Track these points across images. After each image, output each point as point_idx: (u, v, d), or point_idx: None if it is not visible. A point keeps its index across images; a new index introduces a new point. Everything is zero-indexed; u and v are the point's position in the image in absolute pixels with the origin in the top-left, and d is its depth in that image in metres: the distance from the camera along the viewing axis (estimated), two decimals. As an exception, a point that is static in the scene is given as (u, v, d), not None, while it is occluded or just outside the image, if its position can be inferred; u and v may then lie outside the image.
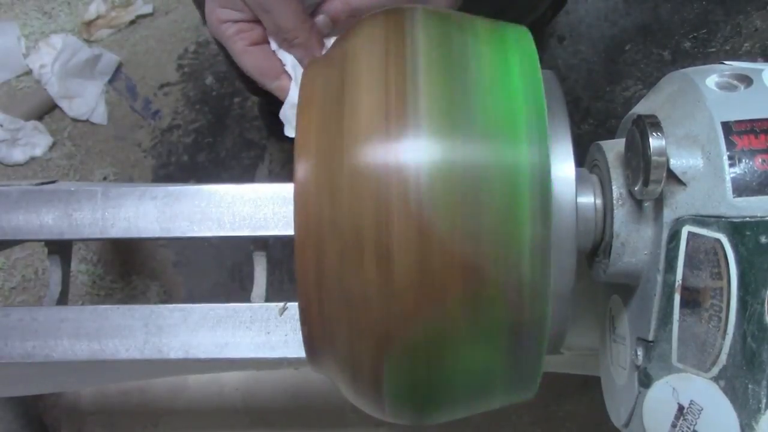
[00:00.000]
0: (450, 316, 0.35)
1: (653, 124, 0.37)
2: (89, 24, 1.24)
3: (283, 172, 1.17)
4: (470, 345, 0.36)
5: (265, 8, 0.48)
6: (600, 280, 0.43)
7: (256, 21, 0.50)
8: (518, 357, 0.38)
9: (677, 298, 0.37)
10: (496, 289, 0.35)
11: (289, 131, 0.51)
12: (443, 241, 0.34)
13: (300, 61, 0.51)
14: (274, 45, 0.51)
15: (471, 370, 0.37)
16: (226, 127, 1.21)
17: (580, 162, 0.42)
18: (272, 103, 1.06)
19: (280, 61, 0.51)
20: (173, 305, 0.56)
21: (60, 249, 0.62)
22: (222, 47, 0.81)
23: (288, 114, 0.51)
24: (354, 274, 0.36)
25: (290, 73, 0.51)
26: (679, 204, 0.37)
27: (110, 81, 1.23)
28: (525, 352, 0.37)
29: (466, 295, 0.35)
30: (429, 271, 0.35)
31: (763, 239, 0.35)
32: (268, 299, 0.58)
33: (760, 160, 0.36)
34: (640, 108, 0.44)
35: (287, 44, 0.50)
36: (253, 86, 0.94)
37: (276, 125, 1.21)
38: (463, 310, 0.35)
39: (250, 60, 0.51)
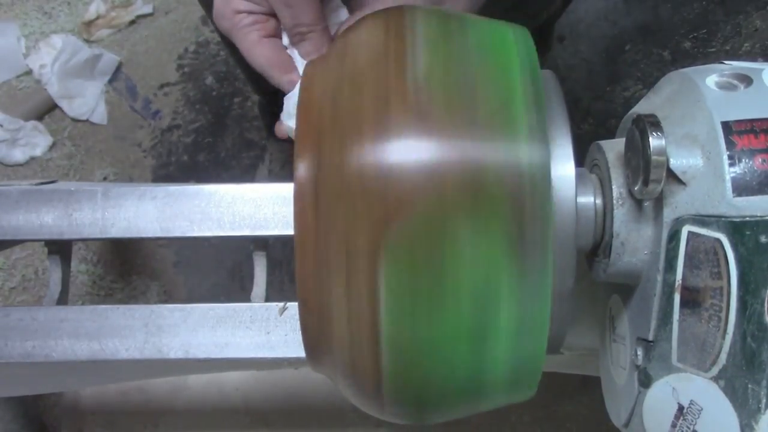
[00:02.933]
0: (450, 317, 0.35)
1: (653, 123, 0.37)
2: (89, 24, 1.24)
3: (283, 172, 1.17)
4: (472, 239, 0.35)
5: (288, 3, 0.48)
6: (600, 279, 0.43)
7: (271, 14, 0.50)
8: (524, 259, 0.36)
9: (677, 297, 0.37)
10: (495, 176, 0.35)
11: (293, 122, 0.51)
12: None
13: (307, 56, 0.51)
14: (285, 41, 0.51)
15: (474, 273, 0.36)
16: (226, 127, 1.21)
17: (580, 162, 0.42)
18: (273, 103, 1.06)
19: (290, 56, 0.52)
20: (173, 305, 0.56)
21: (60, 249, 0.62)
22: (227, 44, 0.81)
23: (292, 110, 0.51)
24: (353, 274, 0.36)
25: (299, 70, 0.51)
26: (679, 204, 0.37)
27: (110, 81, 1.23)
28: (530, 250, 0.36)
29: (465, 180, 0.35)
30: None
31: (763, 239, 0.35)
32: (268, 299, 0.58)
33: (759, 160, 0.36)
34: (640, 108, 0.44)
35: (299, 38, 0.50)
36: (257, 84, 0.94)
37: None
38: (462, 197, 0.35)
39: (263, 51, 0.51)
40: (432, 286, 0.35)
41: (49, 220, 0.58)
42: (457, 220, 0.34)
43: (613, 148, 0.42)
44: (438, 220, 0.34)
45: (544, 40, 0.92)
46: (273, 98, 1.04)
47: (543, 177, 0.35)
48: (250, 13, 0.50)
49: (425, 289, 0.35)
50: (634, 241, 0.40)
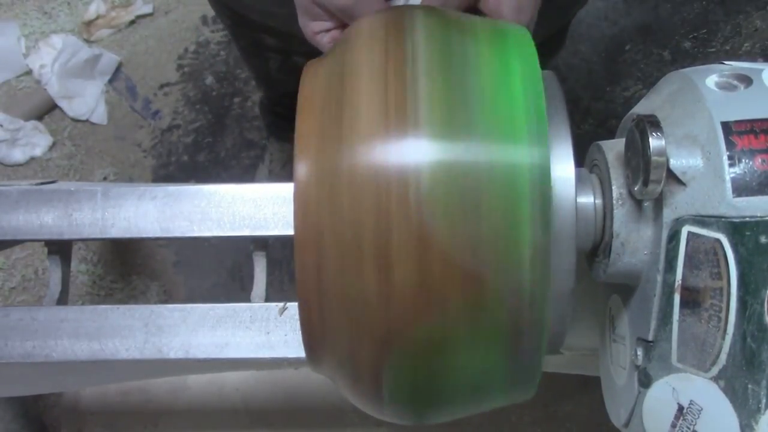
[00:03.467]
0: (450, 322, 0.36)
1: (653, 124, 0.37)
2: (89, 24, 1.24)
3: (283, 172, 1.17)
4: (470, 348, 0.36)
5: (352, 18, 0.49)
6: (600, 280, 0.43)
7: (343, 26, 0.51)
8: (518, 358, 0.38)
9: (677, 298, 0.37)
10: (496, 295, 0.35)
11: None
12: (443, 249, 0.34)
13: None
14: None
15: (471, 371, 0.37)
16: (226, 127, 1.21)
17: (580, 162, 0.42)
18: (275, 103, 1.07)
19: None
20: (173, 305, 0.56)
21: (60, 249, 0.62)
22: (236, 40, 0.80)
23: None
24: (354, 277, 0.36)
25: None
26: (678, 204, 0.37)
27: (110, 81, 1.23)
28: (525, 354, 0.38)
29: (467, 301, 0.35)
30: (429, 279, 0.35)
31: (762, 239, 0.35)
32: (268, 299, 0.58)
33: (759, 160, 0.36)
34: (640, 108, 0.44)
35: None
36: (263, 85, 0.94)
37: (277, 125, 1.20)
38: (463, 315, 0.35)
39: None
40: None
41: (49, 220, 0.58)
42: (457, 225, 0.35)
43: (613, 148, 0.42)
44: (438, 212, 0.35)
45: (561, 37, 0.91)
46: (275, 98, 1.04)
47: (543, 177, 0.35)
48: (327, 31, 0.50)
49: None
50: (634, 242, 0.40)
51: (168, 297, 1.15)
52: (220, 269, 1.15)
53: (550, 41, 0.86)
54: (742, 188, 0.35)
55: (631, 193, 0.40)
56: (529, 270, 0.35)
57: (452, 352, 0.36)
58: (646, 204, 0.40)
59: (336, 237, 0.36)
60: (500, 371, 0.38)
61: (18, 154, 1.18)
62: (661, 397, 0.38)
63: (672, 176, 0.37)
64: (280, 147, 1.17)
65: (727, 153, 0.36)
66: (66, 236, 0.58)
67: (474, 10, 0.45)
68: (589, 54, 1.20)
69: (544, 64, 0.39)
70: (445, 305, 0.35)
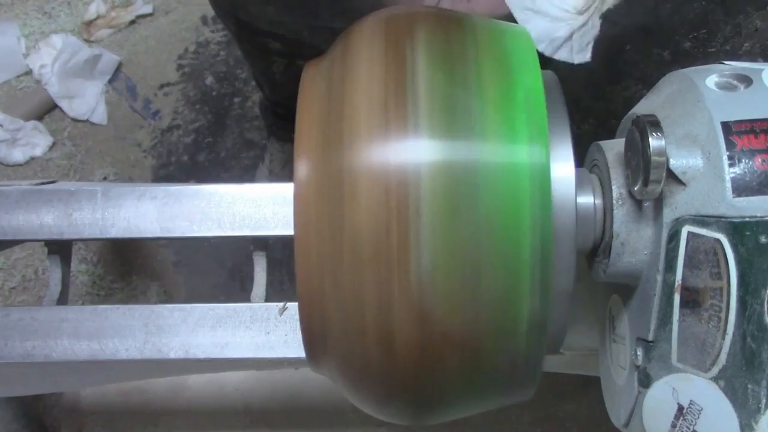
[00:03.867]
0: (447, 381, 0.37)
1: (653, 123, 0.37)
2: (89, 24, 1.24)
3: (283, 173, 1.17)
4: (470, 347, 0.37)
5: None
6: (600, 280, 0.43)
7: None
8: (516, 362, 0.38)
9: (677, 298, 0.37)
10: (493, 361, 0.37)
11: None
12: (443, 236, 0.35)
13: None
14: None
15: (471, 371, 0.38)
16: (226, 127, 1.21)
17: (580, 162, 0.42)
18: (276, 103, 1.07)
19: None
20: (173, 305, 0.56)
21: (60, 249, 0.62)
22: (238, 42, 0.80)
23: None
24: (354, 277, 0.36)
25: None
26: (678, 204, 0.37)
27: (110, 81, 1.23)
28: (525, 354, 0.38)
29: (464, 366, 0.37)
30: (429, 349, 0.36)
31: (762, 239, 0.35)
32: (268, 299, 0.58)
33: (759, 160, 0.36)
34: (640, 108, 0.44)
35: None
36: (264, 85, 0.94)
37: (278, 126, 1.20)
38: (461, 375, 0.37)
39: None
40: None
41: (49, 220, 0.58)
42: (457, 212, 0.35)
43: (613, 148, 0.42)
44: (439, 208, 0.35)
45: None
46: (277, 100, 1.04)
47: (543, 177, 0.35)
48: None
49: None
50: (634, 242, 0.40)
51: (168, 297, 1.15)
52: (220, 269, 1.15)
53: None
54: (742, 188, 0.35)
55: (631, 193, 0.40)
56: (525, 339, 0.37)
57: (453, 351, 0.37)
58: (646, 204, 0.40)
59: (336, 237, 0.36)
60: (499, 381, 0.39)
61: (18, 154, 1.18)
62: (661, 397, 0.38)
63: (672, 176, 0.37)
64: (280, 147, 1.17)
65: (727, 153, 0.36)
66: (66, 236, 0.58)
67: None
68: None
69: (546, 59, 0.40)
70: (443, 367, 0.37)
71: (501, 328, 0.36)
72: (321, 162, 0.37)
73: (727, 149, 0.36)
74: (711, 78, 0.39)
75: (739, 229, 0.35)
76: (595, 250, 0.43)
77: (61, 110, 1.21)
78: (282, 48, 0.78)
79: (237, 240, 0.58)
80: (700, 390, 0.36)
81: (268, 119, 1.17)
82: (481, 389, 0.39)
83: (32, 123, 1.19)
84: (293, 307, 0.55)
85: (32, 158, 1.19)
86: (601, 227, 0.41)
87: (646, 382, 0.39)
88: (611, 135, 0.46)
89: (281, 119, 1.12)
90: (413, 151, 0.35)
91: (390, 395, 0.38)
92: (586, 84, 1.20)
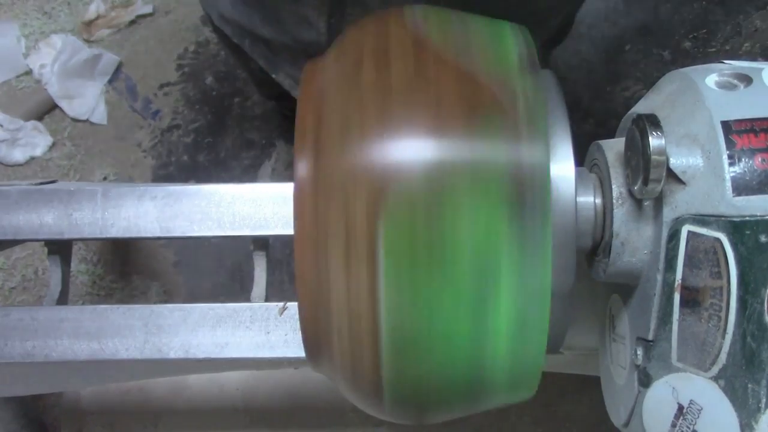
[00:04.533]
0: (448, 380, 0.36)
1: (653, 123, 0.37)
2: (89, 24, 1.24)
3: (287, 173, 1.17)
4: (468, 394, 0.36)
5: None
6: (600, 279, 0.43)
7: None
8: (520, 347, 0.37)
9: (677, 297, 0.37)
10: (492, 99, 0.35)
11: None
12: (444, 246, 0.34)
13: None
14: None
15: (471, 370, 0.37)
16: (226, 127, 1.21)
17: (580, 162, 0.42)
18: (284, 106, 1.06)
19: None
20: (173, 305, 0.56)
21: (60, 249, 0.62)
22: (231, 51, 0.81)
23: None
24: (354, 277, 0.36)
25: None
26: (678, 203, 0.37)
27: (110, 81, 1.23)
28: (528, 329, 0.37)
29: (464, 366, 0.36)
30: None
31: (762, 238, 0.35)
32: (268, 299, 0.58)
33: (759, 159, 0.36)
34: (640, 107, 0.44)
35: None
36: (262, 87, 0.94)
37: (284, 127, 1.20)
38: (462, 375, 0.36)
39: None
40: (432, 250, 0.35)
41: (49, 220, 0.58)
42: (455, 188, 0.34)
43: (613, 147, 0.42)
44: (436, 195, 0.34)
45: (570, 24, 0.91)
46: (280, 100, 1.04)
47: (543, 176, 0.35)
48: None
49: (424, 257, 0.35)
50: (634, 241, 0.40)
51: (168, 297, 1.15)
52: (220, 269, 1.15)
53: (559, 31, 0.86)
54: (742, 187, 0.35)
55: (631, 193, 0.40)
56: (527, 146, 0.35)
57: (452, 205, 0.35)
58: (646, 203, 0.40)
59: (336, 236, 0.36)
60: (505, 241, 0.36)
61: (18, 154, 1.18)
62: (661, 396, 0.38)
63: (672, 175, 0.37)
64: (287, 149, 1.17)
65: (727, 152, 0.36)
66: (66, 236, 0.58)
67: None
68: (589, 54, 1.20)
69: (549, 55, 0.39)
70: (446, 300, 0.35)
71: (500, 133, 0.35)
72: (321, 161, 0.37)
73: (727, 148, 0.36)
74: (711, 77, 0.39)
75: (739, 228, 0.35)
76: (595, 249, 0.43)
77: (61, 110, 1.21)
78: (250, 44, 0.78)
79: (237, 240, 0.58)
80: (700, 389, 0.36)
81: (276, 119, 1.17)
82: (481, 389, 0.39)
83: (32, 123, 1.19)
84: (293, 307, 0.55)
85: (32, 158, 1.19)
86: (601, 227, 0.41)
87: (646, 381, 0.39)
88: (611, 135, 0.46)
89: (289, 120, 1.12)
90: (413, 150, 0.35)
91: (390, 395, 0.38)
92: (586, 84, 1.20)
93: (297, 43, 0.63)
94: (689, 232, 0.37)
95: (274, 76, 0.72)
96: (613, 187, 0.40)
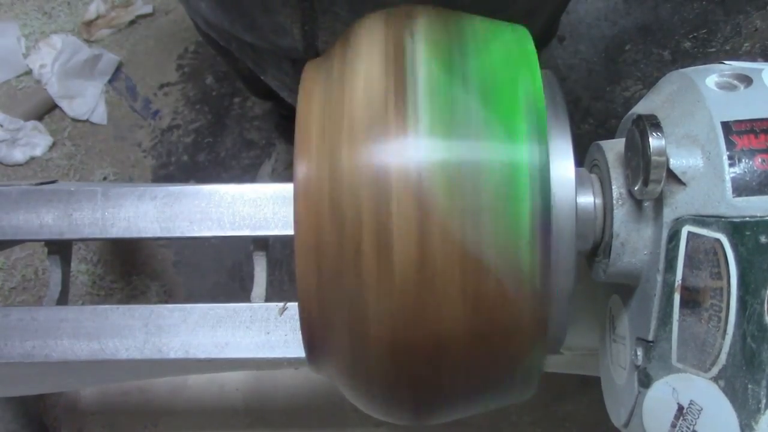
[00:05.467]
0: (451, 317, 0.35)
1: (653, 123, 0.37)
2: (89, 24, 1.24)
3: (286, 173, 1.17)
4: (470, 347, 0.36)
5: None
6: (600, 280, 0.43)
7: None
8: (517, 360, 0.38)
9: (677, 298, 0.37)
10: (496, 278, 0.35)
11: None
12: (444, 248, 0.34)
13: None
14: None
15: (471, 371, 0.37)
16: (226, 127, 1.21)
17: (580, 162, 0.42)
18: (282, 106, 1.07)
19: None
20: (173, 305, 0.56)
21: (60, 249, 0.62)
22: (222, 54, 0.81)
23: None
24: (354, 277, 0.36)
25: None
26: (678, 204, 0.37)
27: (110, 81, 1.23)
28: (525, 353, 0.38)
29: (466, 287, 0.35)
30: (430, 267, 0.35)
31: (762, 239, 0.35)
32: (268, 299, 0.58)
33: (759, 160, 0.36)
34: (640, 108, 0.44)
35: None
36: (260, 92, 0.95)
37: (284, 127, 1.20)
38: (463, 304, 0.35)
39: None
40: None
41: (49, 220, 0.58)
42: (456, 188, 0.35)
43: (613, 148, 0.42)
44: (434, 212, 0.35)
45: (555, 26, 0.91)
46: (279, 102, 1.04)
47: (543, 177, 0.35)
48: None
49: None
50: (634, 242, 0.40)
51: (168, 297, 1.15)
52: (220, 269, 1.15)
53: (543, 33, 0.86)
54: (742, 188, 0.35)
55: (631, 193, 0.40)
56: (527, 146, 0.35)
57: (452, 351, 0.36)
58: (646, 204, 0.40)
59: (336, 236, 0.36)
60: (499, 373, 0.38)
61: (18, 154, 1.18)
62: (661, 397, 0.38)
63: (672, 176, 0.37)
64: (287, 149, 1.17)
65: (727, 153, 0.36)
66: (66, 236, 0.58)
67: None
68: (589, 54, 1.20)
69: (539, 56, 0.39)
70: (446, 300, 0.35)
71: (500, 133, 0.36)
72: (322, 161, 0.37)
73: (727, 149, 0.36)
74: (711, 78, 0.39)
75: (739, 229, 0.35)
76: (595, 250, 0.43)
77: (61, 110, 1.21)
78: (237, 48, 0.78)
79: (237, 240, 0.58)
80: (700, 390, 0.36)
81: (274, 119, 1.17)
82: (481, 388, 0.39)
83: (32, 123, 1.19)
84: (293, 307, 0.55)
85: (32, 158, 1.19)
86: (601, 227, 0.41)
87: (646, 382, 0.39)
88: (611, 135, 0.46)
89: (287, 120, 1.12)
90: (413, 151, 0.35)
91: (390, 395, 0.38)
92: (586, 84, 1.20)
93: (277, 49, 0.63)
94: (689, 232, 0.37)
95: (262, 77, 0.72)
96: (613, 187, 0.40)
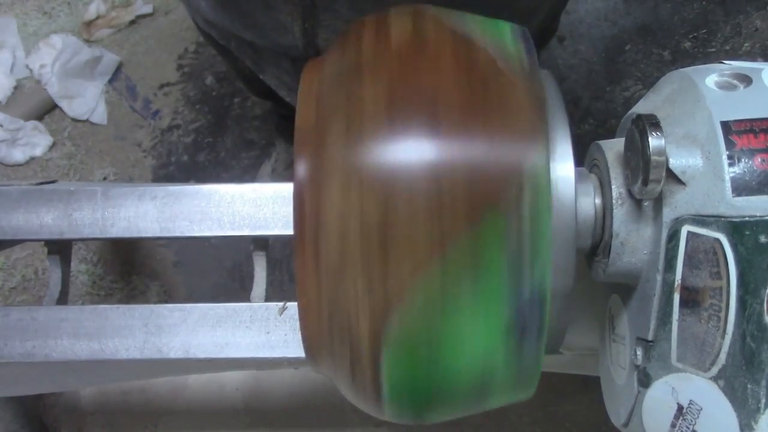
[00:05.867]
0: (447, 380, 0.36)
1: (653, 123, 0.37)
2: (89, 24, 1.24)
3: (286, 173, 1.17)
4: (471, 312, 0.36)
5: None
6: (600, 279, 0.43)
7: None
8: (519, 346, 0.37)
9: (677, 297, 0.37)
10: (485, 50, 0.37)
11: None
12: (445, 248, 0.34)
13: None
14: None
15: (470, 357, 0.37)
16: (226, 127, 1.21)
17: (580, 162, 0.42)
18: (281, 105, 1.07)
19: None
20: (173, 305, 0.56)
21: (60, 249, 0.62)
22: (221, 53, 0.82)
23: None
24: (354, 277, 0.36)
25: None
26: (678, 203, 0.37)
27: (110, 81, 1.23)
28: (526, 344, 0.37)
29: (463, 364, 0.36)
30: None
31: (762, 239, 0.35)
32: (268, 299, 0.58)
33: (759, 160, 0.36)
34: (640, 107, 0.44)
35: None
36: (259, 91, 0.95)
37: (284, 127, 1.21)
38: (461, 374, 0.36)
39: None
40: (438, 246, 0.35)
41: (49, 220, 0.58)
42: (457, 187, 0.34)
43: (613, 148, 0.42)
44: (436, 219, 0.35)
45: (555, 24, 0.91)
46: (278, 102, 1.04)
47: (543, 177, 0.35)
48: None
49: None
50: (634, 241, 0.40)
51: (168, 297, 1.15)
52: (220, 269, 1.15)
53: (542, 32, 0.86)
54: (741, 188, 0.35)
55: (630, 193, 0.40)
56: (527, 147, 0.35)
57: (453, 309, 0.36)
58: (645, 204, 0.40)
59: (336, 236, 0.36)
60: (501, 359, 0.37)
61: (18, 154, 1.18)
62: (661, 397, 0.38)
63: (671, 176, 0.37)
64: (287, 148, 1.17)
65: (727, 152, 0.36)
66: (66, 236, 0.58)
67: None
68: (589, 54, 1.20)
69: (539, 56, 0.40)
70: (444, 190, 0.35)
71: (499, 133, 0.36)
72: (322, 161, 0.37)
73: (727, 149, 0.36)
74: (711, 77, 0.39)
75: (738, 229, 0.35)
76: (595, 249, 0.43)
77: (61, 110, 1.21)
78: (236, 46, 0.78)
79: (237, 240, 0.58)
80: (700, 390, 0.36)
81: (274, 119, 1.17)
82: (482, 390, 0.39)
83: (32, 123, 1.19)
84: (293, 307, 0.55)
85: (32, 158, 1.19)
86: (601, 227, 0.41)
87: (645, 381, 0.39)
88: (611, 135, 0.46)
89: (287, 120, 1.12)
90: (413, 151, 0.35)
91: (389, 395, 0.38)
92: (586, 84, 1.20)
93: (276, 47, 0.63)
94: (689, 232, 0.37)
95: (261, 76, 0.72)
96: (613, 187, 0.40)
